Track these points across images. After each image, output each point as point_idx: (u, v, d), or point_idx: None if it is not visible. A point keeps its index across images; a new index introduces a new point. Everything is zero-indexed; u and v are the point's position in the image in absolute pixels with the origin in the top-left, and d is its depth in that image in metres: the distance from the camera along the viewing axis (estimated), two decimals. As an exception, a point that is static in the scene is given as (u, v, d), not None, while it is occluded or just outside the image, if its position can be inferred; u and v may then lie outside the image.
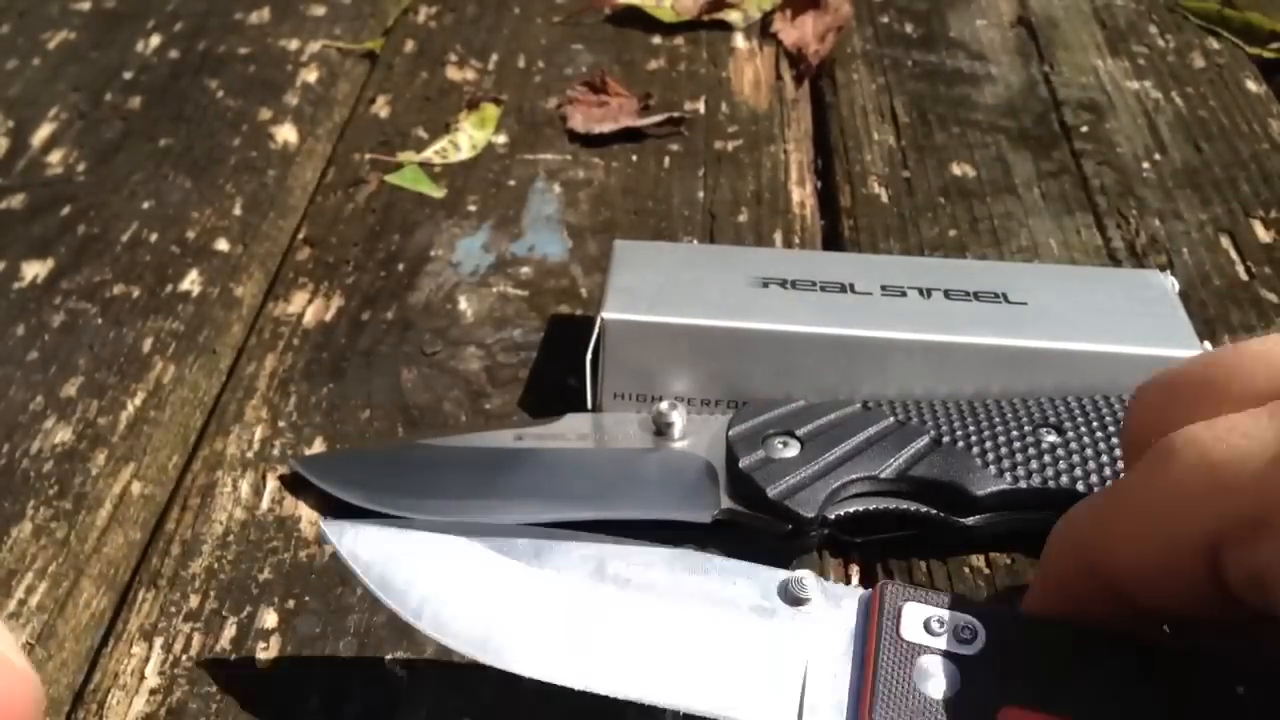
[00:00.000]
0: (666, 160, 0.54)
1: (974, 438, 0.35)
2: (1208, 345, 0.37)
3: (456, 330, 0.44)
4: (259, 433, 0.40)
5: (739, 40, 0.63)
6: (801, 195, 0.52)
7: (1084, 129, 0.56)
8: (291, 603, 0.34)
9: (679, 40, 0.63)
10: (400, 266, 0.48)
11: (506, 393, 0.42)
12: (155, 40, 0.62)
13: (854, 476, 0.35)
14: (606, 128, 0.55)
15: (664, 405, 0.37)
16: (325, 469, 0.38)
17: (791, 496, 0.34)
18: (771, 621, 0.28)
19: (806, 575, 0.28)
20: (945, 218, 0.50)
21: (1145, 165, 0.54)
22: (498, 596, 0.29)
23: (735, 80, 0.60)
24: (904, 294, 0.39)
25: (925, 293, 0.39)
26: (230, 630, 0.34)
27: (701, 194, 0.52)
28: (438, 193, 0.52)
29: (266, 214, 0.51)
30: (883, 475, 0.35)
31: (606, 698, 0.27)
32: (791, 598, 0.28)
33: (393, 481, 0.37)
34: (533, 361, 0.43)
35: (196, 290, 0.46)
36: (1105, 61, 0.61)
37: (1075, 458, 0.35)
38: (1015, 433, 0.35)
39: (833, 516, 0.35)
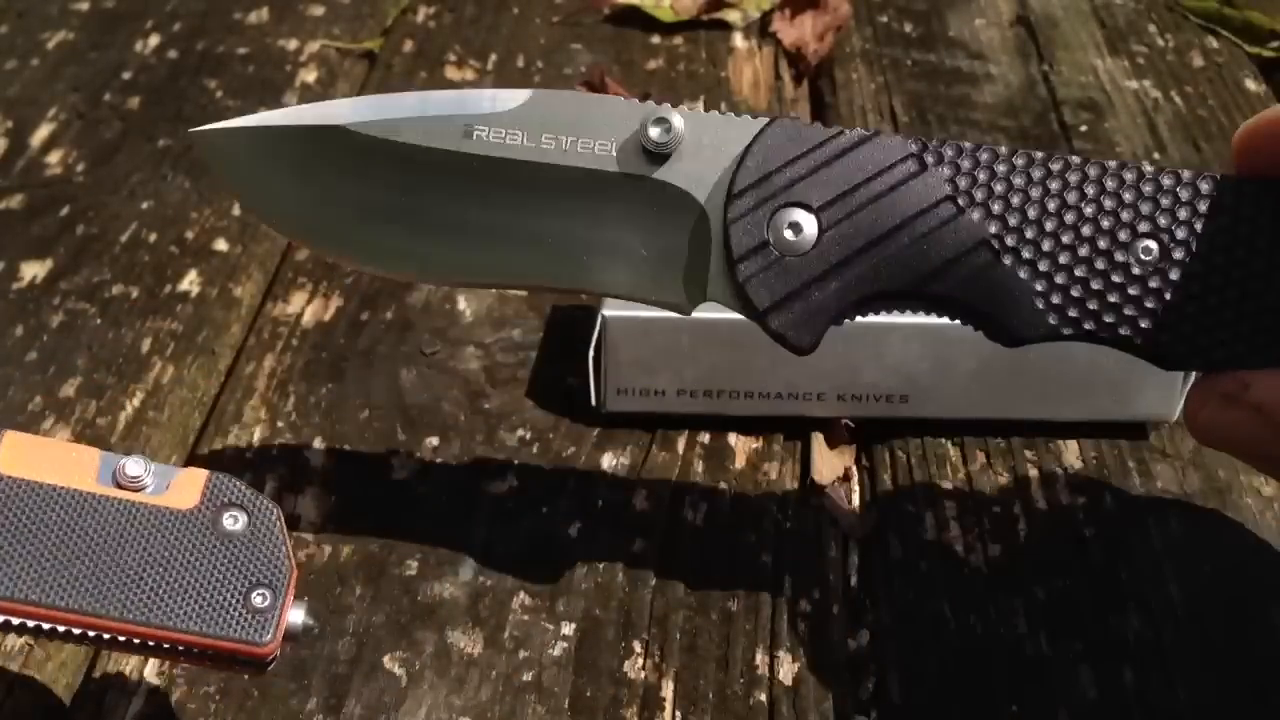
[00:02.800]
0: (665, 160, 0.54)
1: (1044, 245, 0.28)
2: None
3: (455, 330, 0.44)
4: (258, 433, 0.40)
5: (738, 40, 0.63)
6: (800, 195, 0.52)
7: (1083, 128, 0.56)
8: (291, 603, 0.34)
9: (678, 40, 0.63)
10: (399, 266, 0.48)
11: (506, 392, 0.42)
12: (154, 40, 0.62)
13: (876, 290, 0.29)
14: (605, 127, 0.55)
15: (656, 131, 0.29)
16: (225, 150, 0.32)
17: (791, 325, 0.29)
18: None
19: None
20: (944, 217, 0.50)
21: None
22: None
23: (734, 80, 0.60)
24: None
25: None
26: (229, 630, 0.34)
27: (700, 194, 0.52)
28: (437, 193, 0.52)
29: (265, 214, 0.51)
30: (914, 292, 0.29)
31: None
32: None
33: (289, 186, 0.32)
34: (532, 361, 0.43)
35: (195, 290, 0.46)
36: (1104, 61, 0.61)
37: (1182, 288, 0.28)
38: (1103, 244, 0.28)
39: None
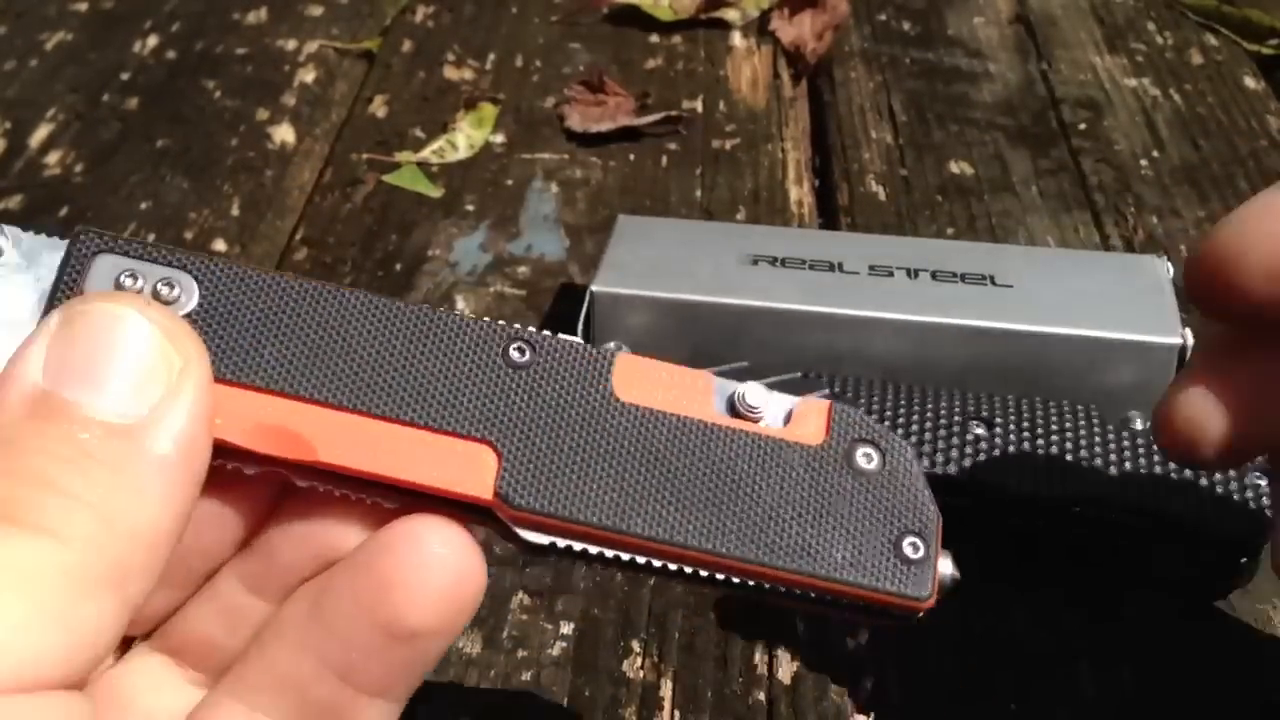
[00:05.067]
0: (664, 159, 0.54)
1: (902, 418, 0.35)
2: (1188, 332, 0.37)
3: (454, 330, 0.44)
4: (257, 433, 0.40)
5: (736, 39, 0.63)
6: (799, 194, 0.52)
7: (1082, 126, 0.56)
8: (289, 603, 0.34)
9: (676, 39, 0.63)
10: (398, 266, 0.48)
11: (504, 392, 0.42)
12: (153, 41, 0.62)
13: None
14: (604, 127, 0.55)
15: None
16: None
17: None
18: None
19: (6, 229, 0.25)
20: (943, 216, 0.50)
21: (1143, 162, 0.53)
22: None
23: (733, 79, 0.60)
24: (891, 274, 0.39)
25: (912, 273, 0.39)
26: (228, 631, 0.34)
27: (699, 193, 0.52)
28: (435, 192, 0.52)
29: (264, 214, 0.51)
30: None
31: None
32: None
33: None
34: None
35: (194, 291, 0.46)
36: (1103, 59, 0.61)
37: (999, 452, 0.35)
38: (945, 422, 0.35)
39: None
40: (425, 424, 0.22)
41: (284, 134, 0.56)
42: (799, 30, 0.63)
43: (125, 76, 0.60)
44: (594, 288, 0.38)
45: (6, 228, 0.24)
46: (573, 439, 0.23)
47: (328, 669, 0.21)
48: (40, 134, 0.55)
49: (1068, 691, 0.32)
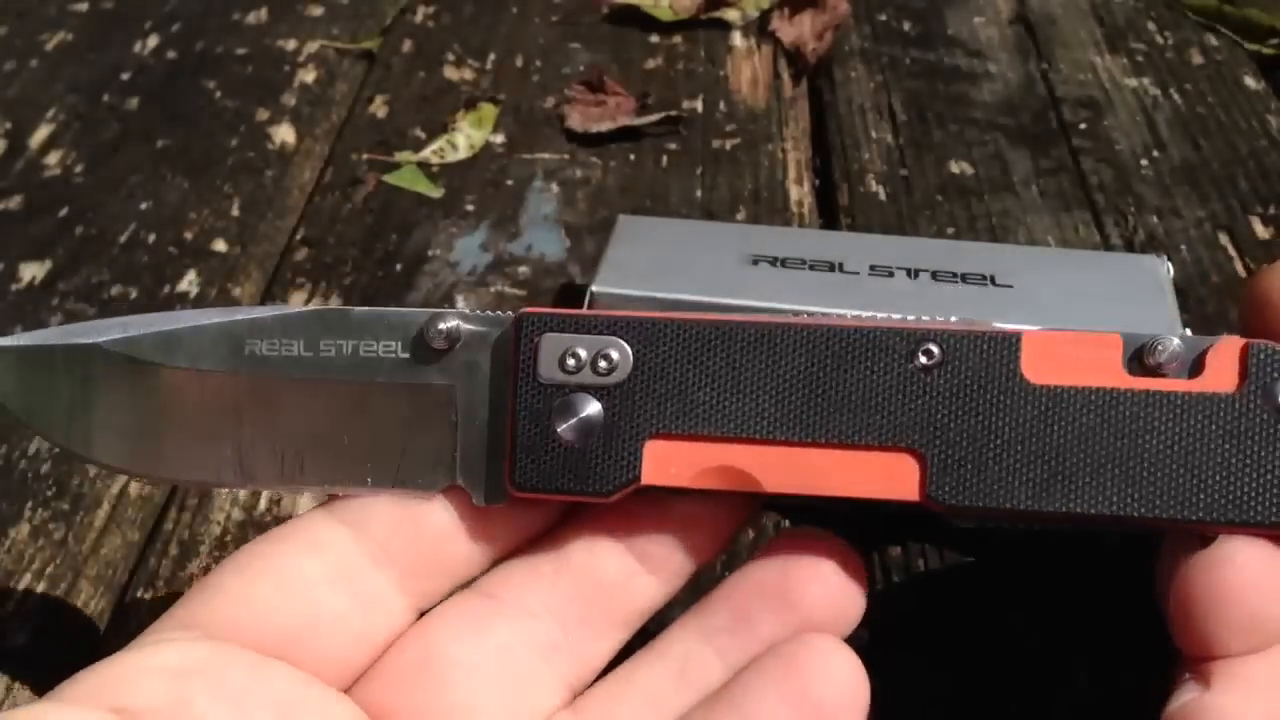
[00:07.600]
0: (664, 159, 0.54)
1: None
2: (1188, 332, 0.37)
3: (454, 330, 0.44)
4: (257, 433, 0.40)
5: (737, 39, 0.63)
6: (799, 194, 0.52)
7: (1082, 126, 0.56)
8: (289, 603, 0.34)
9: (677, 39, 0.63)
10: (398, 266, 0.48)
11: (504, 392, 0.42)
12: (153, 41, 0.62)
13: None
14: (604, 127, 0.55)
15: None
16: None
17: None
18: (414, 376, 0.26)
19: (448, 315, 0.26)
20: (943, 216, 0.50)
21: (1144, 162, 0.53)
22: (136, 400, 0.27)
23: (733, 79, 0.60)
24: (891, 274, 0.39)
25: (913, 273, 0.39)
26: (228, 631, 0.34)
27: (699, 193, 0.52)
28: (435, 192, 0.52)
29: (264, 214, 0.51)
30: None
31: None
32: (431, 349, 0.26)
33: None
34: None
35: (194, 291, 0.46)
36: (1103, 58, 0.61)
37: None
38: None
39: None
40: (850, 443, 0.24)
41: (284, 134, 0.56)
42: (799, 30, 0.63)
43: (125, 76, 0.60)
44: (594, 288, 0.38)
45: (447, 315, 0.26)
46: (990, 431, 0.24)
47: None
48: (40, 134, 0.55)
49: (1067, 691, 0.32)
